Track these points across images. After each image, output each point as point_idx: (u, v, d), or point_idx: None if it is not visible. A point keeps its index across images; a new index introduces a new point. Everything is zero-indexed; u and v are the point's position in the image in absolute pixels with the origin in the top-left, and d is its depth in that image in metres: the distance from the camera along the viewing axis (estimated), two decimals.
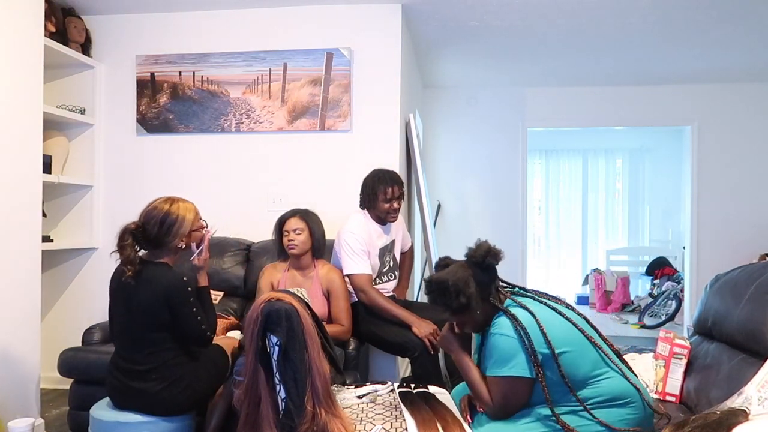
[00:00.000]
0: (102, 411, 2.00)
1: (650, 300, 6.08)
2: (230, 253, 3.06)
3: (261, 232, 3.06)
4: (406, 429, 1.67)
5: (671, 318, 5.58)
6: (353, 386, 2.02)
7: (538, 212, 7.47)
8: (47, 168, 3.02)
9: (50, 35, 3.04)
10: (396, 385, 2.03)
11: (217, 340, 2.22)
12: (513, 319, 1.64)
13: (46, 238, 3.16)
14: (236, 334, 2.38)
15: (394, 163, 3.20)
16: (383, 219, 2.75)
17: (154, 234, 1.97)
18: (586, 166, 7.39)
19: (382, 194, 2.67)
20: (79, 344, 2.67)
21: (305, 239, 2.57)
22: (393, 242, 2.87)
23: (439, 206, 5.21)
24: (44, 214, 2.90)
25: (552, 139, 7.23)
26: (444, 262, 1.84)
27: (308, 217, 2.62)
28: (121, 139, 3.46)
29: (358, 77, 3.28)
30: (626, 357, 2.04)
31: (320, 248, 2.64)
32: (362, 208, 2.78)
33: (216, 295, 2.55)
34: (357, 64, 3.28)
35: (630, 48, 4.00)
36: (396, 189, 2.70)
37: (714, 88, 4.92)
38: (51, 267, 3.40)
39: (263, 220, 3.06)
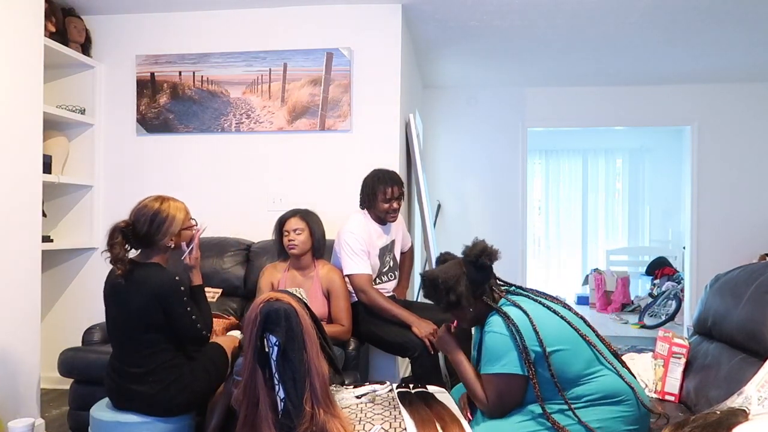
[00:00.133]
0: (102, 411, 2.00)
1: (650, 300, 6.08)
2: (230, 253, 3.07)
3: (261, 232, 3.06)
4: (405, 429, 1.67)
5: (671, 318, 5.58)
6: (352, 386, 2.02)
7: (538, 212, 7.47)
8: (47, 168, 3.02)
9: (50, 35, 3.04)
10: (395, 385, 2.04)
11: (218, 339, 2.22)
12: (505, 317, 1.67)
13: (46, 238, 3.16)
14: (236, 334, 2.38)
15: (394, 163, 3.20)
16: (383, 219, 2.74)
17: (144, 232, 1.96)
18: (586, 166, 7.39)
19: (381, 194, 2.67)
20: (79, 344, 2.67)
21: (305, 239, 2.57)
22: (393, 242, 2.87)
23: (439, 206, 5.21)
24: (44, 214, 2.90)
25: (552, 139, 7.23)
26: (443, 258, 1.89)
27: (308, 217, 2.62)
28: (121, 139, 3.46)
29: (358, 77, 3.28)
30: (625, 357, 2.05)
31: (320, 248, 2.64)
32: (362, 208, 2.78)
33: (214, 293, 2.54)
34: (357, 64, 3.28)
35: (630, 48, 4.00)
36: (396, 189, 2.70)
37: (714, 88, 4.92)
38: (51, 267, 3.41)
39: (263, 220, 3.06)
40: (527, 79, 4.92)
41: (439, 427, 1.66)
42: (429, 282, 1.77)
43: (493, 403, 1.68)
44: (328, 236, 2.69)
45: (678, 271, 6.37)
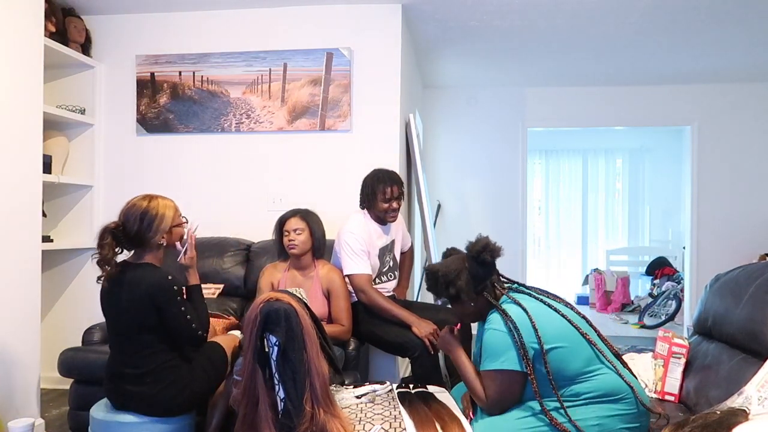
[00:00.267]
0: (102, 411, 2.00)
1: (650, 300, 6.08)
2: (230, 253, 3.07)
3: (261, 232, 3.06)
4: (405, 429, 1.67)
5: (671, 318, 5.58)
6: (352, 386, 2.02)
7: (538, 212, 7.47)
8: (47, 168, 3.02)
9: (50, 35, 3.04)
10: (395, 385, 2.04)
11: (218, 338, 2.22)
12: (504, 314, 1.68)
13: (46, 238, 3.16)
14: (237, 334, 2.38)
15: (394, 163, 3.20)
16: (383, 219, 2.74)
17: (135, 231, 1.94)
18: (586, 166, 7.39)
19: (381, 194, 2.67)
20: (79, 344, 2.67)
21: (305, 239, 2.57)
22: (393, 242, 2.87)
23: (439, 206, 5.21)
24: (44, 214, 2.90)
25: (552, 139, 7.23)
26: (449, 252, 1.93)
27: (308, 217, 2.62)
28: (121, 139, 3.46)
29: (358, 77, 3.28)
30: (626, 357, 2.05)
31: (320, 248, 2.64)
32: (362, 208, 2.78)
33: (215, 289, 2.52)
34: (357, 64, 3.28)
35: (630, 48, 4.00)
36: (395, 189, 2.69)
37: (714, 88, 4.92)
38: (51, 267, 3.40)
39: (263, 220, 3.06)
40: (527, 79, 4.92)
41: (438, 427, 1.67)
42: (430, 275, 1.82)
43: (491, 399, 1.70)
44: (328, 236, 2.68)
45: (678, 271, 6.37)
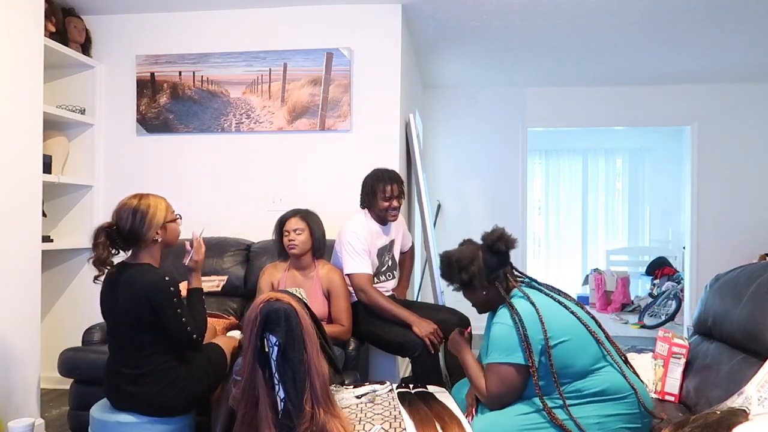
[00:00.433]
0: (102, 411, 1.99)
1: (650, 300, 6.08)
2: (230, 253, 3.07)
3: (261, 232, 3.06)
4: (405, 429, 1.67)
5: (671, 318, 5.58)
6: (352, 386, 2.02)
7: (538, 212, 7.47)
8: (47, 168, 3.02)
9: (50, 35, 3.04)
10: (395, 385, 2.04)
11: (217, 339, 2.22)
12: (511, 308, 1.70)
13: (46, 238, 3.16)
14: (236, 334, 2.38)
15: (394, 163, 3.20)
16: (383, 218, 2.74)
17: (128, 228, 1.93)
18: (586, 166, 7.39)
19: (381, 193, 2.67)
20: (79, 344, 2.67)
21: (306, 239, 2.57)
22: (392, 242, 2.87)
23: (439, 206, 5.21)
24: (44, 214, 2.90)
25: (552, 139, 7.23)
26: (465, 242, 1.97)
27: (309, 217, 2.62)
28: (121, 139, 3.46)
29: (358, 77, 3.28)
30: None
31: (320, 248, 2.64)
32: (362, 208, 2.78)
33: (220, 280, 2.50)
34: (357, 64, 3.28)
35: (630, 48, 4.00)
36: (395, 187, 2.69)
37: (714, 88, 4.92)
38: (51, 267, 3.40)
39: (263, 220, 3.06)
40: (527, 79, 4.92)
41: (438, 427, 1.67)
42: (445, 259, 1.87)
43: (491, 392, 1.71)
44: (328, 236, 2.69)
45: (678, 271, 6.37)
